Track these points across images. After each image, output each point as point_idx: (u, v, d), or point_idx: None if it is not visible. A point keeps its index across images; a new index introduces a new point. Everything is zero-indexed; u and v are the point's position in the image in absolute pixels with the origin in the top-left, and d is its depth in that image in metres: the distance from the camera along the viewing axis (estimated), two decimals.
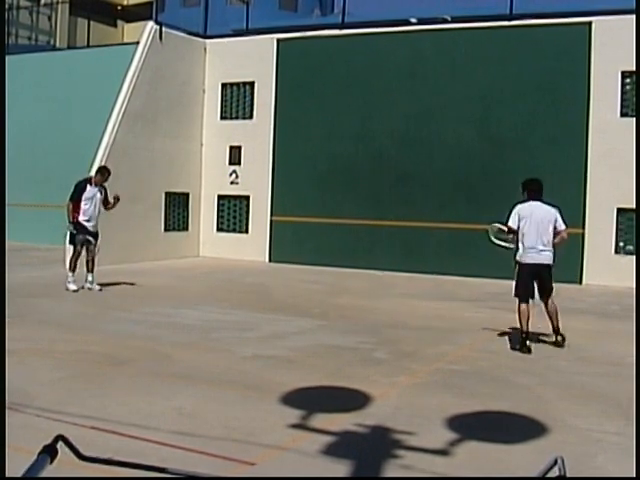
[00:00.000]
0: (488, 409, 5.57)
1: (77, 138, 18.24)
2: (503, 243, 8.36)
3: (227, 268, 15.72)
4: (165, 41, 16.72)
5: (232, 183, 17.78)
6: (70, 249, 11.92)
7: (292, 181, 17.03)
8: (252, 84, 17.64)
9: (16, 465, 1.63)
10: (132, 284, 12.35)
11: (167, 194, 17.21)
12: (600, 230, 14.32)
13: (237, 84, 17.88)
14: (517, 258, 7.97)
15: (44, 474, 1.45)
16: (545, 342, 8.12)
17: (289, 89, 17.16)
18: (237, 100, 17.96)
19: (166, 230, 17.26)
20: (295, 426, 4.95)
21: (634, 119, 13.73)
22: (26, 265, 14.40)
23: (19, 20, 26.47)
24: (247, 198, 17.73)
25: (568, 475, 1.51)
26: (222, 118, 17.98)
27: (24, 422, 4.80)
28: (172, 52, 16.95)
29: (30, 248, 17.44)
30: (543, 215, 7.91)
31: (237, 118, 17.91)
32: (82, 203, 11.38)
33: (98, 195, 11.52)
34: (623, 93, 14.25)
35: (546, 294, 7.99)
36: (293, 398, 5.62)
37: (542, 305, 8.05)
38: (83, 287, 11.46)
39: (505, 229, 8.26)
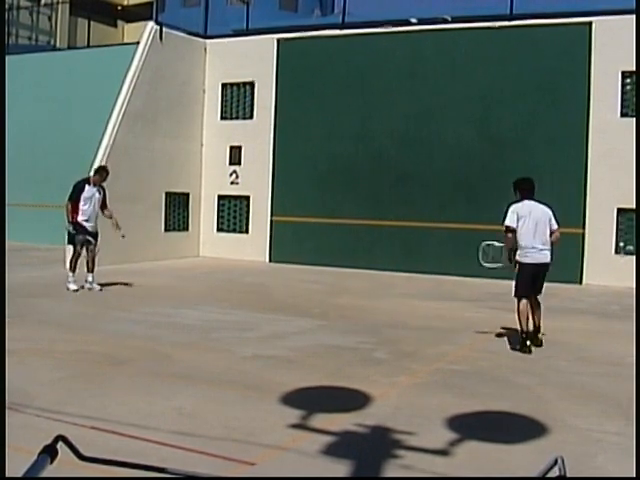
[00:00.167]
0: (488, 409, 5.57)
1: (77, 138, 18.24)
2: (494, 265, 8.33)
3: (227, 268, 15.72)
4: (165, 41, 16.72)
5: (232, 183, 17.78)
6: (69, 249, 11.92)
7: (292, 181, 17.03)
8: (252, 84, 17.64)
9: (16, 465, 1.63)
10: (132, 284, 12.35)
11: (167, 194, 17.21)
12: (600, 230, 14.32)
13: (237, 84, 17.88)
14: (517, 258, 7.96)
15: (44, 474, 1.45)
16: (545, 341, 8.11)
17: (289, 89, 17.16)
18: (237, 100, 17.96)
19: (166, 230, 17.26)
20: (295, 426, 4.95)
21: (634, 119, 13.73)
22: (26, 265, 14.40)
23: (19, 20, 26.48)
24: (247, 198, 17.74)
25: (568, 475, 1.51)
26: (222, 118, 17.98)
27: (24, 422, 4.79)
28: (172, 52, 16.95)
29: (30, 248, 17.44)
30: (541, 214, 7.92)
31: (237, 118, 17.91)
32: (81, 203, 11.37)
33: (97, 195, 11.52)
34: (623, 93, 14.25)
35: (538, 292, 8.02)
36: (293, 398, 5.62)
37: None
38: (83, 287, 11.46)
39: (497, 244, 8.23)
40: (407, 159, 16.00)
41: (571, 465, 1.68)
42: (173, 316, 9.53)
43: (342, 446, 4.60)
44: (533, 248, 7.82)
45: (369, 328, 9.01)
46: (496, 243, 8.49)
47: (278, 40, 17.30)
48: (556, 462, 1.52)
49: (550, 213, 7.97)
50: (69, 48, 24.93)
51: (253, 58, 17.48)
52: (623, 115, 14.21)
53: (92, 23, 23.17)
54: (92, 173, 12.08)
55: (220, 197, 18.07)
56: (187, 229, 17.91)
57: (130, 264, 14.88)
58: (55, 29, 27.83)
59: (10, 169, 14.13)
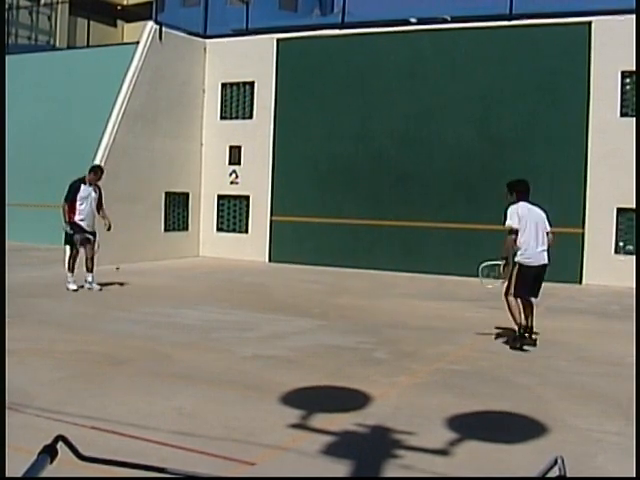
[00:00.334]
0: (488, 409, 5.57)
1: (77, 138, 18.23)
2: (496, 282, 8.26)
3: (227, 268, 15.72)
4: (165, 41, 16.72)
5: (232, 183, 17.78)
6: (67, 250, 11.92)
7: (292, 181, 17.03)
8: (252, 84, 17.64)
9: (16, 465, 1.63)
10: (132, 284, 12.35)
11: (167, 194, 17.21)
12: (600, 230, 14.32)
13: (237, 84, 17.87)
14: (519, 259, 7.95)
15: (44, 474, 1.45)
16: (545, 341, 8.11)
17: (289, 89, 17.16)
18: (237, 100, 17.96)
19: (166, 230, 17.26)
20: (295, 426, 4.95)
21: (634, 119, 13.73)
22: (26, 265, 14.40)
23: (19, 20, 26.47)
24: (247, 198, 17.74)
25: (568, 475, 1.51)
26: (222, 118, 17.97)
27: (24, 422, 4.79)
28: (172, 52, 16.94)
29: (30, 248, 17.44)
30: (538, 216, 7.98)
31: (237, 118, 17.91)
32: (77, 203, 11.38)
33: (93, 194, 11.52)
34: (623, 93, 14.25)
35: (537, 294, 8.03)
36: (293, 398, 5.62)
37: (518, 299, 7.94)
38: (83, 287, 11.46)
39: (495, 263, 8.19)
40: (407, 159, 16.00)
41: (571, 465, 1.68)
42: (173, 316, 9.53)
43: (342, 446, 4.60)
44: (535, 249, 7.84)
45: (369, 328, 9.01)
46: (494, 262, 8.38)
47: (278, 40, 17.30)
48: (556, 462, 1.52)
49: (544, 215, 8.03)
50: (69, 48, 24.90)
51: (253, 58, 17.48)
52: (623, 115, 14.21)
53: (92, 23, 23.17)
54: (87, 172, 12.08)
55: (220, 197, 18.07)
56: (187, 229, 17.91)
57: (130, 264, 14.86)
58: (55, 29, 27.82)
59: (10, 169, 14.12)
